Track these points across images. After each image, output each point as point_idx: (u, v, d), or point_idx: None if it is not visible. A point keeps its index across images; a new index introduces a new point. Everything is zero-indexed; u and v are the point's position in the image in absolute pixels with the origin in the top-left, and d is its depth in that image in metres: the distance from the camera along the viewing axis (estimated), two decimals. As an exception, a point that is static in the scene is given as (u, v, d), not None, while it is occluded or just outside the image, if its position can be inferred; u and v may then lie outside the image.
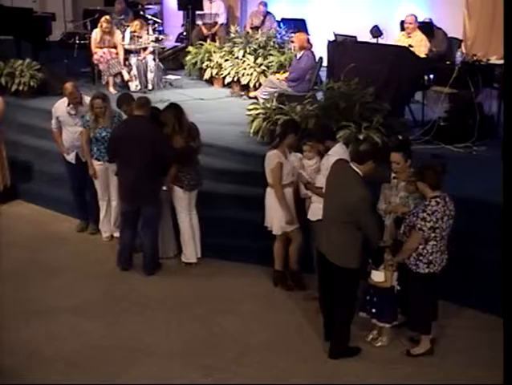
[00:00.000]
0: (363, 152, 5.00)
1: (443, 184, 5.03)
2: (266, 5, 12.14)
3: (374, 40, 9.33)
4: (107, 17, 10.51)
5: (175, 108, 6.43)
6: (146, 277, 6.48)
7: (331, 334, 5.28)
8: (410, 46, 8.76)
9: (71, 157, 7.27)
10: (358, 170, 4.97)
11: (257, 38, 10.69)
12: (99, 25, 10.39)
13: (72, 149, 7.21)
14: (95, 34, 10.38)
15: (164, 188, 6.42)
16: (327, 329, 5.35)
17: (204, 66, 11.01)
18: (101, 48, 10.30)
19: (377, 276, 5.20)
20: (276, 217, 6.03)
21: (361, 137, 6.79)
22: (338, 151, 5.64)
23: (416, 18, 9.53)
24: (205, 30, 12.35)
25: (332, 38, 9.13)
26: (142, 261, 6.56)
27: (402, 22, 9.85)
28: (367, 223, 4.92)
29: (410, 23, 9.43)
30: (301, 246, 6.14)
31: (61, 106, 7.22)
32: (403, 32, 9.68)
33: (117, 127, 6.65)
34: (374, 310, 5.29)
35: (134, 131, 6.24)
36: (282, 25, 11.45)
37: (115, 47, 10.38)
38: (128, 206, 6.49)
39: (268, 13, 12.20)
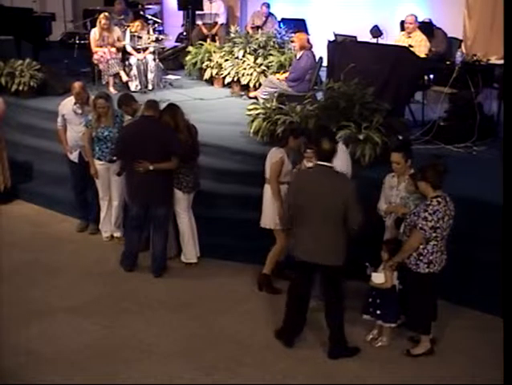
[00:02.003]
0: (330, 151, 5.06)
1: (443, 183, 5.03)
2: (268, 6, 12.15)
3: (374, 40, 9.33)
4: (106, 13, 10.52)
5: (170, 109, 6.45)
6: (146, 277, 6.47)
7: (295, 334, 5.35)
8: (410, 46, 8.76)
9: (73, 156, 7.27)
10: (330, 165, 5.07)
11: (257, 38, 10.68)
12: (97, 22, 10.38)
13: (75, 148, 7.22)
14: (94, 33, 10.38)
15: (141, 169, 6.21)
16: (294, 328, 5.38)
17: (204, 66, 11.02)
18: (101, 46, 10.30)
19: (377, 278, 5.21)
20: (271, 212, 6.05)
21: (361, 137, 6.79)
22: (337, 152, 5.62)
23: (416, 17, 9.53)
24: (205, 30, 12.35)
25: (332, 38, 9.12)
26: (151, 262, 6.53)
27: (402, 22, 9.84)
28: (355, 205, 4.99)
29: (410, 23, 9.42)
30: (283, 250, 6.16)
31: (68, 104, 7.24)
32: (403, 32, 9.67)
33: (127, 126, 6.65)
34: (379, 312, 5.29)
35: (147, 131, 6.21)
36: (282, 25, 11.45)
37: (114, 45, 10.37)
38: (137, 208, 6.47)
39: (270, 14, 12.21)
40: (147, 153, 6.16)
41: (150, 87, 10.46)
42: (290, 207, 5.25)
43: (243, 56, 10.50)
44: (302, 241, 5.19)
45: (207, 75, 10.99)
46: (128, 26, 10.82)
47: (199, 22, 12.46)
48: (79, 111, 7.14)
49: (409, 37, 9.40)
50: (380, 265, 5.25)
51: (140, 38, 10.54)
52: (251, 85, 10.22)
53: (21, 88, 9.84)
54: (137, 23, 10.66)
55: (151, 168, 6.15)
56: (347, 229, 5.06)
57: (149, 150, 6.16)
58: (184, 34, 12.83)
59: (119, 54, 10.44)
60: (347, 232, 5.08)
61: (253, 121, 7.93)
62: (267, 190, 6.09)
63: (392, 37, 9.76)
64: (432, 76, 8.45)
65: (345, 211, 4.96)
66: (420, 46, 9.20)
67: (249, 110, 8.15)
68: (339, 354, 5.23)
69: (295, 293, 5.35)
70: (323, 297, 5.40)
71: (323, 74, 9.10)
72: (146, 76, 10.50)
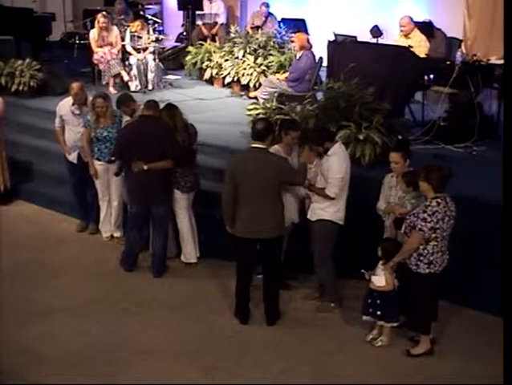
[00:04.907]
0: (260, 130, 5.40)
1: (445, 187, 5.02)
2: (268, 6, 12.15)
3: (374, 40, 9.32)
4: (104, 12, 10.53)
5: (168, 109, 6.46)
6: (146, 276, 6.48)
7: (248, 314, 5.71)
8: (410, 46, 8.75)
9: (72, 157, 7.26)
10: (263, 146, 5.42)
11: (257, 38, 10.68)
12: (96, 22, 10.39)
13: (74, 149, 7.21)
14: (93, 34, 10.38)
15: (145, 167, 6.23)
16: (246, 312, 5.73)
17: (204, 66, 11.02)
18: (101, 47, 10.30)
19: (378, 281, 5.22)
20: None
21: (361, 137, 6.79)
22: (336, 152, 5.62)
23: (411, 18, 9.45)
24: (205, 30, 12.35)
25: (332, 38, 9.12)
26: (150, 262, 6.55)
27: (400, 24, 9.81)
28: (292, 171, 5.52)
29: (404, 26, 9.34)
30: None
31: (65, 105, 7.22)
32: (401, 33, 9.66)
33: (126, 126, 6.64)
34: (379, 312, 5.29)
35: (145, 131, 6.22)
36: (282, 25, 11.45)
37: (112, 44, 10.37)
38: (137, 207, 6.47)
39: (270, 14, 12.21)
40: (145, 153, 6.16)
41: (150, 87, 10.47)
42: (229, 192, 5.46)
43: (243, 56, 10.50)
44: (242, 220, 5.47)
45: (207, 75, 10.99)
46: (128, 26, 10.82)
47: (199, 22, 12.46)
48: (77, 112, 7.12)
49: (408, 37, 9.38)
50: (378, 264, 5.26)
51: (140, 38, 10.55)
52: (251, 85, 10.22)
53: (21, 88, 9.85)
54: (137, 23, 10.67)
55: (145, 167, 6.16)
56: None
57: (147, 150, 6.16)
58: (184, 34, 12.84)
59: (120, 55, 10.45)
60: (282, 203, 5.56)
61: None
62: None
63: (392, 37, 9.74)
64: (432, 76, 8.44)
65: (285, 182, 5.49)
66: (420, 46, 9.17)
67: (249, 110, 8.14)
68: (276, 319, 5.67)
69: (244, 269, 5.69)
70: (262, 268, 5.75)
71: (323, 74, 9.09)
72: (146, 76, 10.51)
